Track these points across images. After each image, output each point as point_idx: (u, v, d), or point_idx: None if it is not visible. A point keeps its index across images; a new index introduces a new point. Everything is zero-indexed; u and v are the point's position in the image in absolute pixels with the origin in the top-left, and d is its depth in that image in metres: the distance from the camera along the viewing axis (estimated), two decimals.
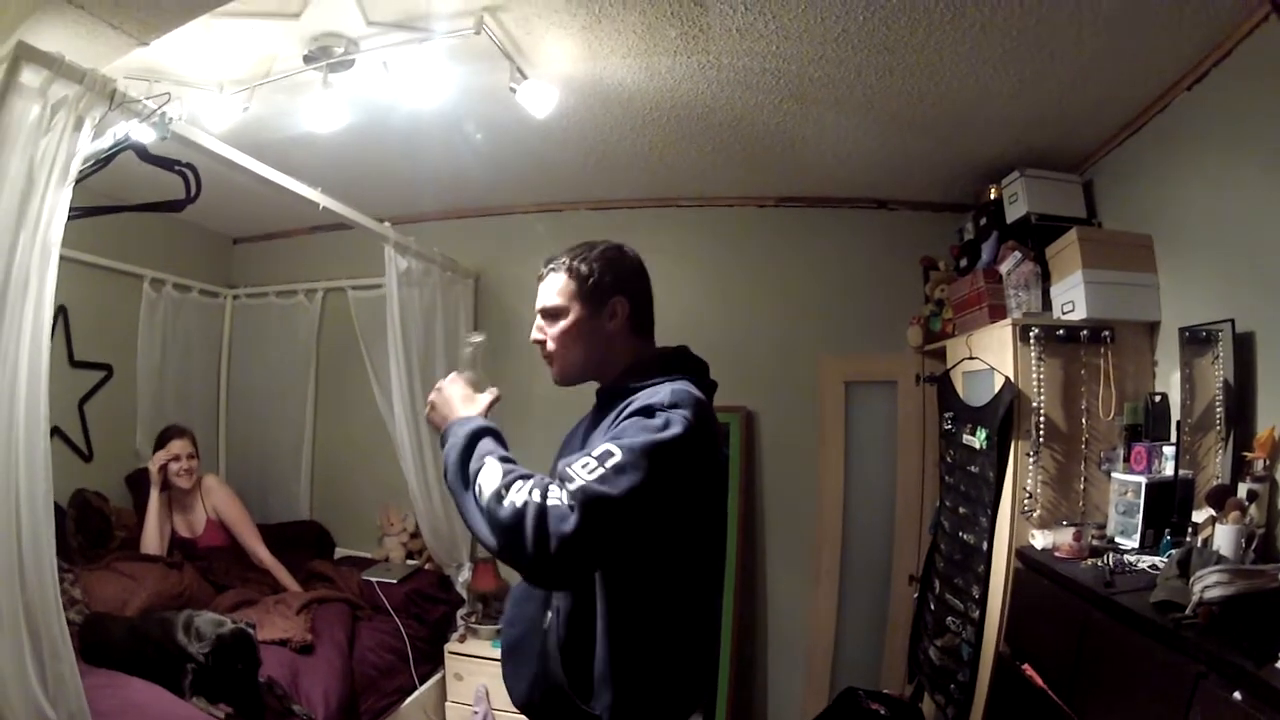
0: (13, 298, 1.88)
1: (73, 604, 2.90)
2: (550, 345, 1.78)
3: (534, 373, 3.52)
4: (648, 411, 1.51)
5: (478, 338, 1.93)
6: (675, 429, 1.46)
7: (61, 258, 2.00)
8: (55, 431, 2.00)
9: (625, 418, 1.54)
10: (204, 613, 2.93)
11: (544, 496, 1.33)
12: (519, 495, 1.34)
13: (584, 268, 1.75)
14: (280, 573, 3.91)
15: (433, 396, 1.73)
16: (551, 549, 1.30)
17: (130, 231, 4.17)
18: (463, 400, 1.70)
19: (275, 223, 4.91)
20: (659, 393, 1.56)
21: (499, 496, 1.36)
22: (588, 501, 1.32)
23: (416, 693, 3.80)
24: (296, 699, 2.91)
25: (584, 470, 1.37)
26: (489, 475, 1.41)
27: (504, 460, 1.46)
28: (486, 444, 1.52)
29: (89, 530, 3.72)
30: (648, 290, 1.85)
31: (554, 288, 1.77)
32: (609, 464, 1.38)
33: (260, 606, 3.47)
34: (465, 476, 1.46)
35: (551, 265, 1.80)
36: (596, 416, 1.79)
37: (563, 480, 1.37)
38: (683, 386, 1.59)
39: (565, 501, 1.33)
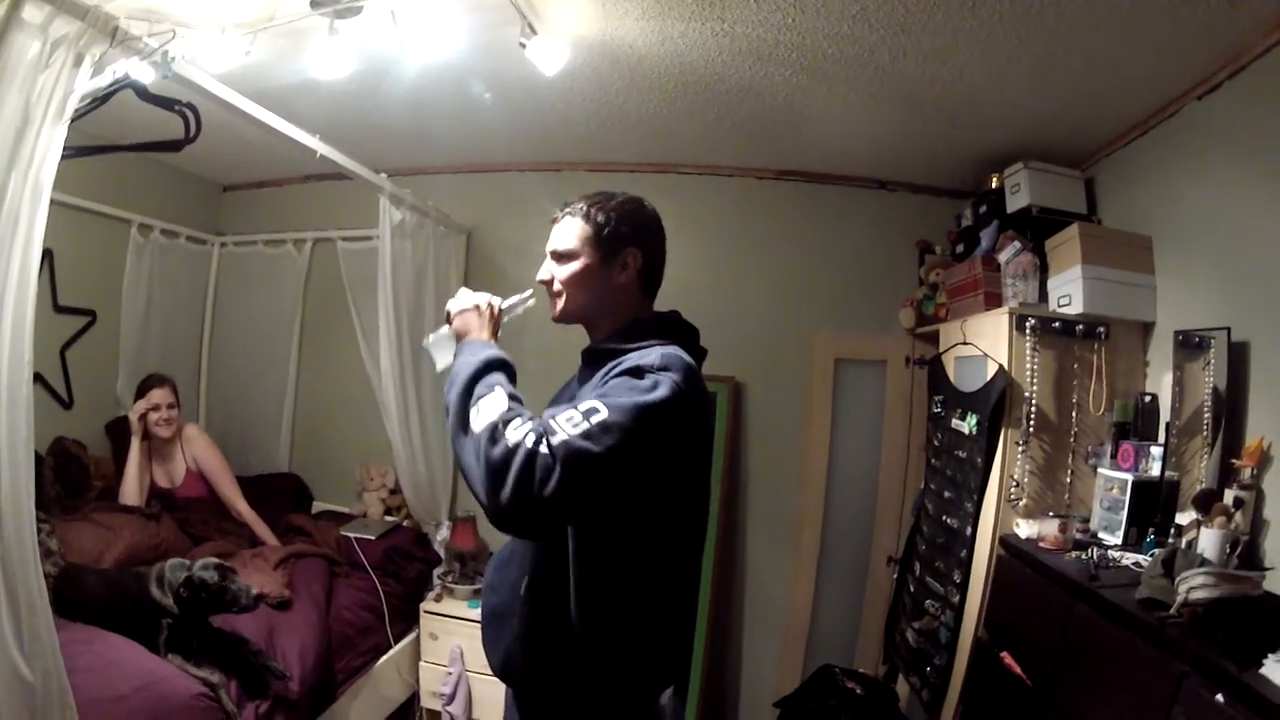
0: (2, 239, 1.82)
1: (48, 555, 2.83)
2: (557, 286, 1.76)
3: (523, 331, 3.47)
4: (636, 372, 1.50)
5: (532, 301, 1.87)
6: (663, 391, 1.45)
7: (50, 200, 1.94)
8: (36, 378, 1.96)
9: (613, 377, 1.53)
10: (172, 560, 2.87)
11: (537, 444, 1.31)
12: (514, 434, 1.33)
13: (601, 216, 1.73)
14: (258, 526, 3.89)
15: (469, 304, 1.72)
16: (530, 497, 1.28)
17: (119, 176, 4.11)
18: (490, 326, 1.70)
19: (267, 170, 4.83)
20: (649, 355, 1.55)
21: (495, 430, 1.34)
22: (569, 456, 1.30)
23: (391, 652, 3.79)
24: (272, 655, 2.89)
25: (568, 424, 1.35)
26: (493, 404, 1.40)
27: (512, 397, 1.44)
28: (499, 376, 1.51)
29: (67, 479, 3.67)
30: (662, 248, 1.83)
31: (569, 231, 1.75)
32: (594, 420, 1.36)
33: (237, 559, 3.43)
34: (470, 394, 1.45)
35: (568, 209, 1.78)
36: (584, 376, 1.77)
37: (546, 432, 1.35)
38: (673, 350, 1.58)
39: (550, 453, 1.31)
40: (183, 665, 2.60)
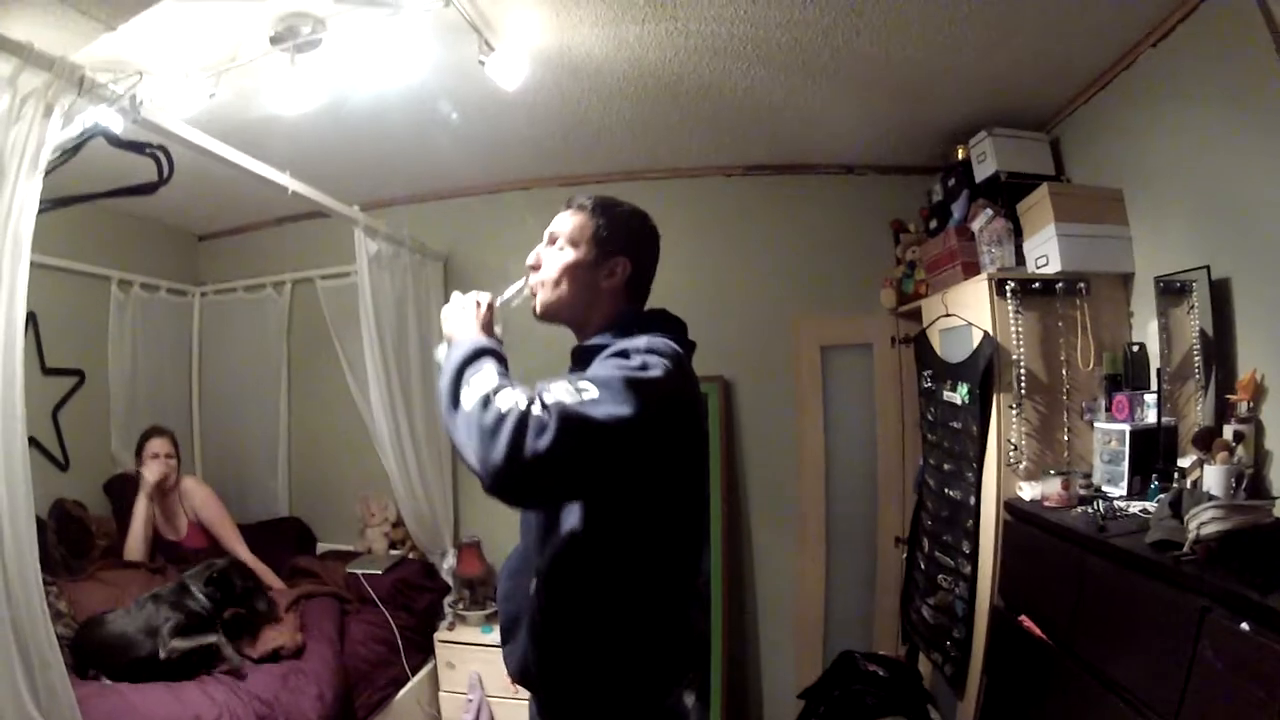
0: None
1: (59, 617, 2.85)
2: (543, 273, 1.77)
3: (510, 342, 3.49)
4: (623, 354, 1.50)
5: (525, 287, 1.87)
6: (654, 372, 1.44)
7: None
8: (31, 441, 1.96)
9: (600, 361, 1.53)
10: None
11: (529, 406, 1.30)
12: (505, 400, 1.31)
13: (603, 217, 1.76)
14: (263, 572, 3.84)
15: (457, 306, 1.71)
16: (523, 458, 1.26)
17: (95, 234, 4.12)
18: (481, 322, 1.68)
19: (241, 216, 4.83)
20: (635, 341, 1.55)
21: (486, 400, 1.33)
22: (565, 416, 1.29)
23: (410, 684, 3.78)
24: (290, 698, 2.88)
25: (561, 391, 1.34)
26: (482, 379, 1.39)
27: (501, 374, 1.44)
28: (489, 360, 1.49)
29: (69, 541, 3.64)
30: (653, 263, 1.86)
31: (570, 221, 1.78)
32: (586, 394, 1.35)
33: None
34: (460, 377, 1.44)
35: (577, 203, 1.80)
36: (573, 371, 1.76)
37: (539, 394, 1.34)
38: (660, 339, 1.58)
39: (542, 414, 1.29)
40: (189, 645, 2.89)
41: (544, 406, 1.30)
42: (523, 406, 1.30)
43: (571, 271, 1.75)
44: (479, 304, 1.72)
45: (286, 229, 4.82)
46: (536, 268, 1.79)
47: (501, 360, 1.53)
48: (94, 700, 2.39)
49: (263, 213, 4.75)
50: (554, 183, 4.35)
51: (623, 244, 1.77)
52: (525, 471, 1.27)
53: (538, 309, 1.80)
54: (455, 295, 1.75)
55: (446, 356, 1.55)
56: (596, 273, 1.75)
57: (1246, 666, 1.64)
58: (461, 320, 1.68)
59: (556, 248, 1.77)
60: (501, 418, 1.29)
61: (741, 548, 4.24)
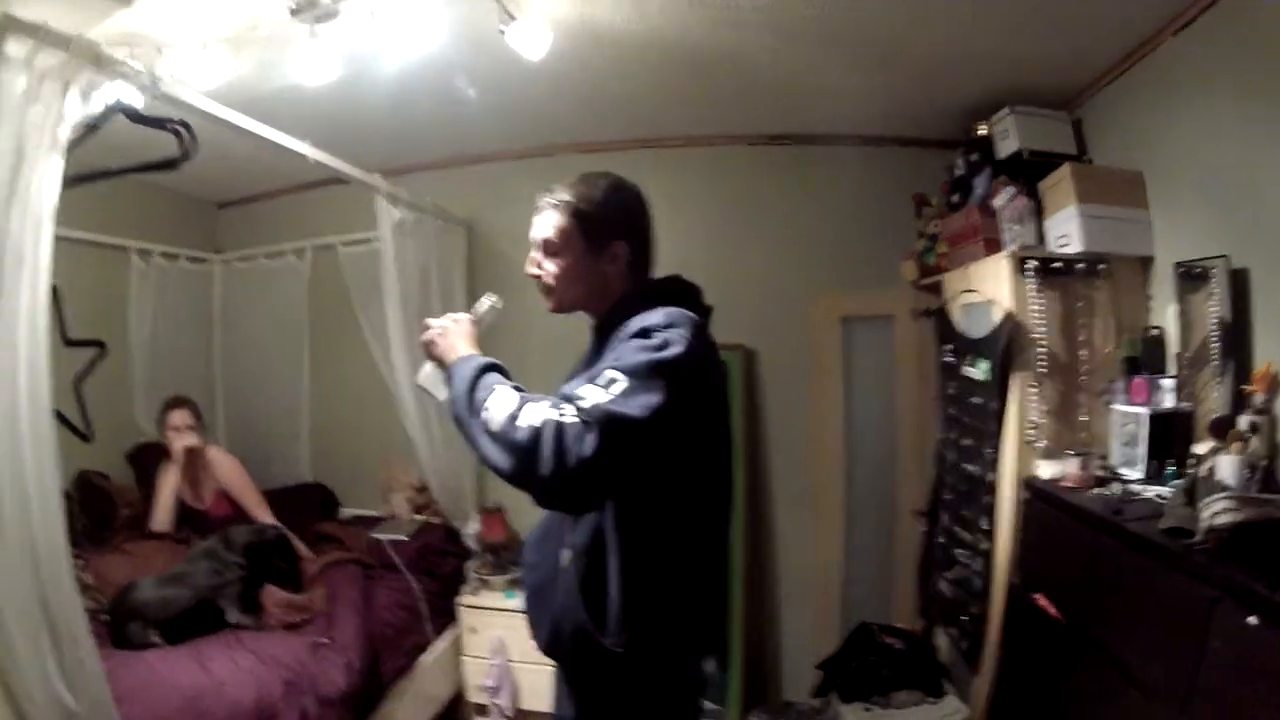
0: (8, 275, 1.84)
1: (85, 590, 2.89)
2: (546, 281, 1.78)
3: (529, 315, 3.49)
4: (644, 334, 1.52)
5: (498, 302, 1.88)
6: (676, 348, 1.47)
7: None
8: (54, 413, 1.99)
9: (621, 342, 1.54)
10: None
11: (561, 416, 1.33)
12: (534, 416, 1.34)
13: (583, 205, 1.74)
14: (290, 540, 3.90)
15: (438, 330, 1.72)
16: (569, 467, 1.30)
17: (113, 204, 4.10)
18: (468, 340, 1.70)
19: (260, 184, 4.83)
20: (652, 315, 1.57)
21: (513, 419, 1.36)
22: (604, 419, 1.32)
23: (432, 649, 3.82)
24: (318, 667, 2.92)
25: (593, 394, 1.37)
26: (500, 400, 1.42)
27: (515, 388, 1.47)
28: (494, 376, 1.53)
29: (92, 512, 3.70)
30: (648, 228, 1.84)
31: (552, 224, 1.76)
32: (615, 388, 1.37)
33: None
34: (474, 405, 1.46)
35: (550, 200, 1.78)
36: (596, 347, 1.78)
37: (571, 400, 1.36)
38: (677, 309, 1.60)
39: (580, 419, 1.32)
40: (253, 621, 3.10)
41: (578, 411, 1.33)
42: (555, 418, 1.32)
43: (572, 273, 1.76)
44: (459, 322, 1.73)
45: (307, 195, 4.81)
46: (539, 279, 1.80)
47: (501, 370, 1.56)
48: (122, 671, 2.44)
49: (283, 180, 4.74)
50: (574, 149, 4.32)
51: (613, 228, 1.76)
52: (575, 479, 1.31)
53: (552, 308, 1.81)
54: (430, 321, 1.75)
55: (451, 387, 1.57)
56: (598, 262, 1.76)
57: (1253, 660, 1.65)
58: (447, 342, 1.69)
59: (549, 254, 1.77)
60: (536, 434, 1.32)
61: (762, 516, 4.25)
